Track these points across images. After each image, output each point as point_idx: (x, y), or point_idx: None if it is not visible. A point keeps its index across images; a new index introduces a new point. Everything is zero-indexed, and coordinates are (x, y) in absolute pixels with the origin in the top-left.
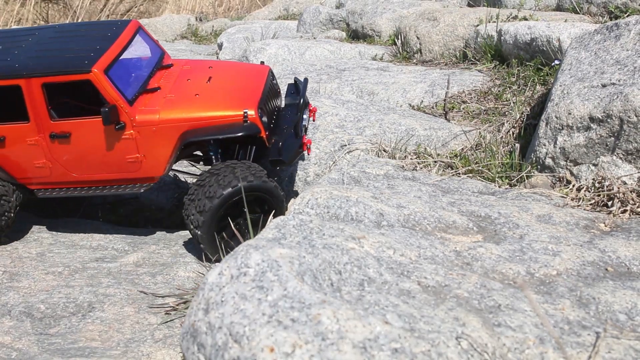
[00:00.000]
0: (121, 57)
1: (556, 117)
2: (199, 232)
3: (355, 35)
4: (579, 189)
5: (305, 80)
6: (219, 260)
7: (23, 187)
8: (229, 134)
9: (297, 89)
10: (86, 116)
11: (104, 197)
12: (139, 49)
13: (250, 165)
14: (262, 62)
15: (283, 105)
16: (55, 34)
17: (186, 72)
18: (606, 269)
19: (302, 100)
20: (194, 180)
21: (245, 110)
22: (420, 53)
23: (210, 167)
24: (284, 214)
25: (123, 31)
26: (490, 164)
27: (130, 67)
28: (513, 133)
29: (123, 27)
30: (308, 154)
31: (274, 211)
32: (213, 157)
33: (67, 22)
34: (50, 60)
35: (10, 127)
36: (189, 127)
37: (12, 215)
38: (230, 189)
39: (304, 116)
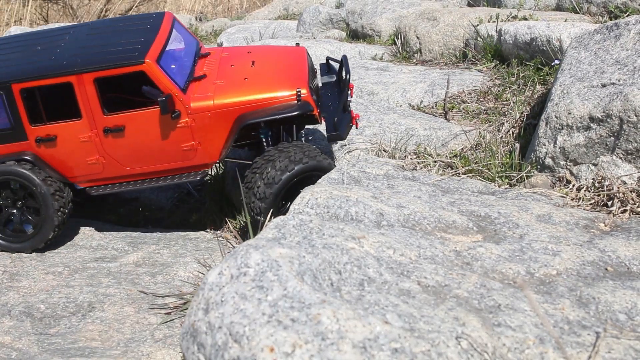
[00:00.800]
0: (166, 48)
1: (556, 117)
2: (260, 218)
3: (355, 35)
4: (578, 189)
5: (345, 57)
6: None
7: (72, 186)
8: (285, 114)
9: (330, 68)
10: (139, 108)
11: (158, 188)
12: (176, 40)
13: (302, 145)
14: (297, 44)
15: (320, 84)
16: (91, 31)
17: (227, 59)
18: (606, 269)
19: (348, 76)
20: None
21: (298, 90)
22: (420, 53)
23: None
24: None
25: (162, 23)
26: (490, 163)
27: (175, 57)
28: (513, 133)
29: (160, 19)
30: (357, 128)
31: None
32: (264, 140)
33: (68, 22)
34: (99, 55)
35: (62, 125)
36: (244, 111)
37: (66, 211)
38: (288, 173)
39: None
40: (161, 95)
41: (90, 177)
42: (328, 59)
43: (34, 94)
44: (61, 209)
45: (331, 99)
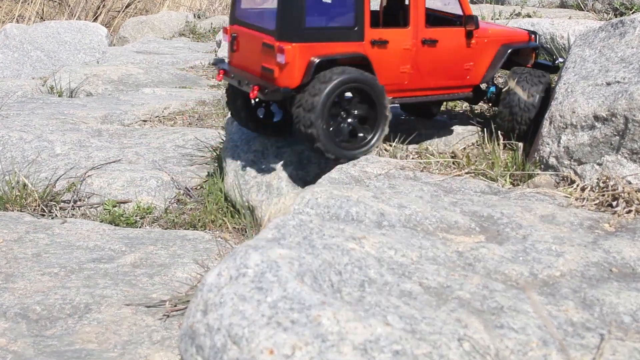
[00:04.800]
0: None
1: (560, 116)
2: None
3: None
4: (583, 189)
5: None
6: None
7: None
8: (527, 46)
9: None
10: (450, 26)
11: (436, 102)
12: None
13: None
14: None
15: None
16: None
17: None
18: (611, 270)
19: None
20: None
21: (534, 32)
22: None
23: None
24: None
25: None
26: (493, 163)
27: None
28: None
29: None
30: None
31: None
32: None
33: (65, 19)
34: None
35: (393, 30)
36: (504, 42)
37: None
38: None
39: None
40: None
41: (394, 87)
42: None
43: None
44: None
45: None
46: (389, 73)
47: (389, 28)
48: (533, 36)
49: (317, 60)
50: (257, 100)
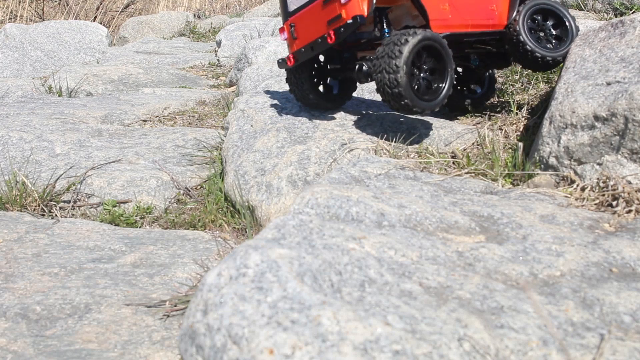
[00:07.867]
0: None
1: (560, 116)
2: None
3: None
4: (583, 189)
5: None
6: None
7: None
8: None
9: None
10: None
11: (475, 39)
12: None
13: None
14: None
15: None
16: None
17: None
18: (611, 270)
19: None
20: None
21: None
22: None
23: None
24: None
25: None
26: (493, 163)
27: None
28: (516, 132)
29: None
30: None
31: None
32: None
33: (64, 19)
34: None
35: None
36: None
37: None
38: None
39: None
40: None
41: (442, 22)
42: None
43: None
44: (452, 59)
45: None
46: (434, 8)
47: None
48: None
49: None
50: (321, 81)
